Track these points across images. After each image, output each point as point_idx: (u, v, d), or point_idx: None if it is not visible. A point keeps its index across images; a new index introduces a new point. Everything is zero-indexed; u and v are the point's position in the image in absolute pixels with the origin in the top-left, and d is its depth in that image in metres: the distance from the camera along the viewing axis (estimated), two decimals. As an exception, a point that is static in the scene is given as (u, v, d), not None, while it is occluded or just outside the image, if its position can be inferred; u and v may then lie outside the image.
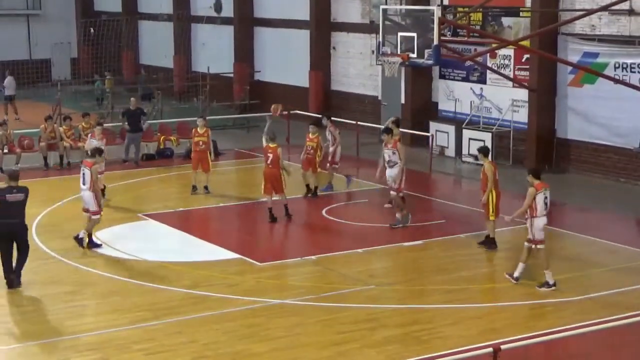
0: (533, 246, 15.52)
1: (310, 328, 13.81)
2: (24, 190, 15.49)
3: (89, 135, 23.21)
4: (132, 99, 27.36)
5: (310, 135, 22.15)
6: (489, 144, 25.74)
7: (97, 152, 18.38)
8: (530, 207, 15.41)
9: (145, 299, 15.06)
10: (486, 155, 17.89)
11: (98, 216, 17.86)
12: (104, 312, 14.45)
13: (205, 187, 22.19)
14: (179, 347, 12.99)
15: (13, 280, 15.40)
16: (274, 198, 19.84)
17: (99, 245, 17.86)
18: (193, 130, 22.78)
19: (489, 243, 17.85)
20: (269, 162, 19.68)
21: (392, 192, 19.46)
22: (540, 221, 15.44)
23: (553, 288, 15.42)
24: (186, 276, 16.22)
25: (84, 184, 17.75)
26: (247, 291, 15.45)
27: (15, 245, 15.49)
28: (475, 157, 25.96)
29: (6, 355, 12.90)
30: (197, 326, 13.79)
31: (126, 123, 26.42)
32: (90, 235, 17.83)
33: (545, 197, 15.46)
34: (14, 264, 15.48)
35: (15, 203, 15.28)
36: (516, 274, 15.76)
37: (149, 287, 15.63)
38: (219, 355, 12.76)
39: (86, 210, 17.89)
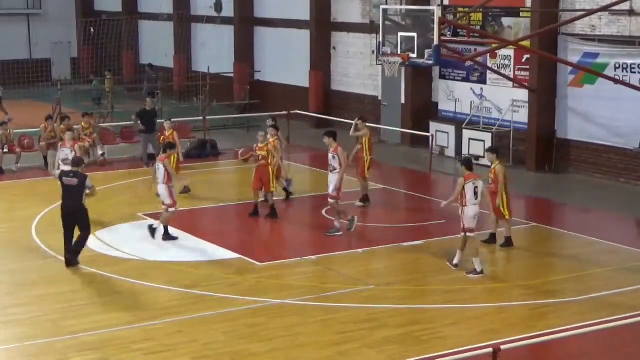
0: (463, 234, 16.27)
1: (310, 328, 13.81)
2: (80, 176, 16.66)
3: (60, 145, 21.78)
4: (148, 99, 27.27)
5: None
6: (488, 145, 25.79)
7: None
8: (460, 196, 16.17)
9: (145, 298, 15.07)
10: (498, 155, 17.92)
11: (173, 209, 18.52)
12: (104, 311, 14.45)
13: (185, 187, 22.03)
14: (178, 347, 13.00)
15: (69, 260, 16.60)
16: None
17: (174, 238, 18.39)
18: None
19: (508, 242, 17.88)
20: (268, 159, 19.77)
21: (329, 199, 18.88)
22: (470, 210, 16.17)
23: (481, 275, 16.07)
24: (186, 276, 16.23)
25: (158, 178, 18.40)
26: (247, 291, 15.46)
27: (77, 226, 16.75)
28: (476, 158, 26.02)
29: (6, 355, 12.90)
30: (197, 326, 13.80)
31: (139, 123, 26.31)
32: (166, 228, 18.41)
33: (476, 187, 16.17)
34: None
35: (70, 187, 16.61)
36: (455, 261, 16.48)
37: (149, 287, 15.63)
38: (218, 355, 12.77)
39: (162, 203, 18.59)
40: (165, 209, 18.50)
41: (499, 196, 17.44)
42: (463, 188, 16.15)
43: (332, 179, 18.73)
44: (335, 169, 18.70)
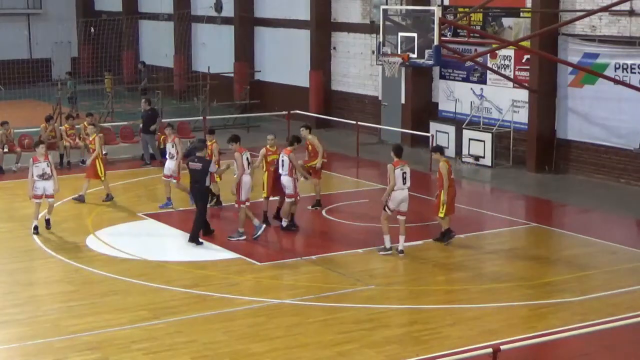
0: (387, 212, 17.31)
1: (310, 328, 13.81)
2: (203, 161, 18.10)
3: (31, 160, 19.30)
4: (142, 101, 27.25)
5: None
6: (489, 145, 25.84)
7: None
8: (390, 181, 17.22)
9: (145, 298, 15.06)
10: (442, 154, 18.34)
11: (293, 199, 18.93)
12: (104, 311, 14.44)
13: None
14: (178, 347, 12.99)
15: (191, 238, 18.06)
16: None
17: (295, 227, 19.10)
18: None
19: (444, 235, 18.12)
20: (279, 166, 19.44)
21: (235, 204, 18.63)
22: (398, 194, 17.25)
23: (389, 252, 17.30)
24: (186, 276, 16.23)
25: (282, 170, 18.86)
26: (247, 291, 15.46)
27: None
28: (476, 158, 26.07)
29: (5, 355, 12.90)
30: (196, 326, 13.80)
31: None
32: (292, 217, 19.10)
33: (404, 173, 17.32)
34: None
35: (193, 170, 18.02)
36: (387, 245, 17.44)
37: (149, 286, 15.63)
38: (218, 354, 12.76)
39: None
40: (286, 199, 19.00)
41: (442, 193, 17.82)
42: (393, 173, 17.16)
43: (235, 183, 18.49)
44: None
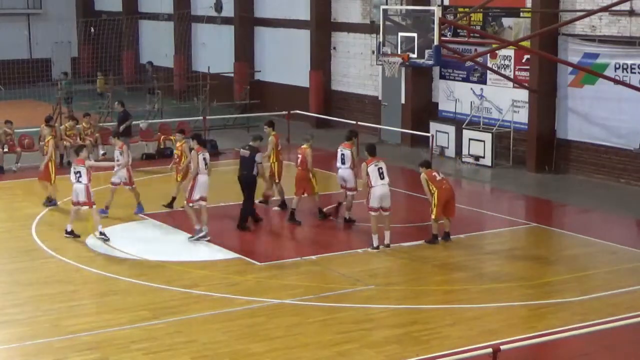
0: (373, 213, 17.58)
1: (310, 328, 13.81)
2: (253, 150, 19.11)
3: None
4: (115, 103, 27.10)
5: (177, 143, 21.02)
6: (489, 145, 25.83)
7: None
8: (368, 178, 17.54)
9: (145, 298, 15.07)
10: (427, 167, 18.45)
11: (354, 192, 19.45)
12: (104, 311, 14.45)
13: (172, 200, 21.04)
14: (178, 347, 12.99)
15: (243, 227, 18.99)
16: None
17: (353, 221, 19.54)
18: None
19: (433, 238, 18.29)
20: (298, 163, 19.85)
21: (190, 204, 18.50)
22: (376, 190, 17.57)
23: (377, 250, 17.56)
24: (186, 276, 16.23)
25: (343, 163, 19.45)
26: (247, 291, 15.46)
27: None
28: (476, 158, 26.06)
29: (5, 355, 12.90)
30: (196, 326, 13.80)
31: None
32: (350, 209, 19.57)
33: (380, 168, 17.64)
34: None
35: (243, 158, 19.14)
36: (375, 244, 17.69)
37: (149, 286, 15.63)
38: (218, 354, 12.76)
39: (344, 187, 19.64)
40: (344, 193, 19.54)
41: (432, 197, 18.12)
42: (367, 172, 17.55)
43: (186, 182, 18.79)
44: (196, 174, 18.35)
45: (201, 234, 18.29)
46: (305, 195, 19.86)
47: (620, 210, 21.16)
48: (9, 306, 14.78)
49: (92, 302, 14.96)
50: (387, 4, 29.05)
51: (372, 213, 17.67)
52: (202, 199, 18.32)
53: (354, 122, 28.46)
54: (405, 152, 28.35)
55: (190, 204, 18.31)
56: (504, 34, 26.35)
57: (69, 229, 18.42)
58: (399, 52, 23.07)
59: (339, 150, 19.66)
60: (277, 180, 20.71)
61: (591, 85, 24.18)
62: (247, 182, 19.21)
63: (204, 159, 18.43)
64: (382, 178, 17.70)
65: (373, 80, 31.24)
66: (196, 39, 40.66)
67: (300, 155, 19.77)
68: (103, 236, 18.14)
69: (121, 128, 25.54)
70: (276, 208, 20.87)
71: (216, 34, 39.00)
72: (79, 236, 18.37)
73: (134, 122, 27.66)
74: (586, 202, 22.03)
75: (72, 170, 18.41)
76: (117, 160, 20.14)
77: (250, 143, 19.42)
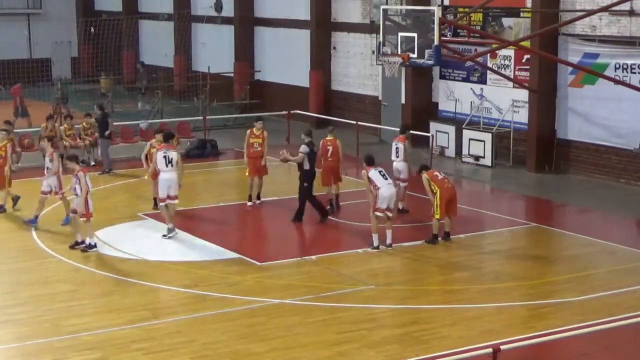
0: (379, 214, 17.64)
1: (310, 328, 13.80)
2: (309, 144, 19.62)
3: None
4: (95, 107, 26.97)
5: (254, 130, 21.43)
6: (489, 145, 25.83)
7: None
8: (370, 184, 17.63)
9: (144, 298, 15.07)
10: (426, 170, 18.61)
11: (406, 184, 20.30)
12: (104, 311, 14.45)
13: (258, 197, 21.40)
14: (178, 347, 12.99)
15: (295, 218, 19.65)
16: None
17: (406, 211, 20.26)
18: (248, 131, 21.67)
19: (433, 238, 18.38)
20: (329, 155, 20.19)
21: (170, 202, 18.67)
22: (384, 191, 17.56)
23: (377, 250, 17.64)
24: (186, 276, 16.23)
25: (397, 156, 20.19)
26: (247, 291, 15.46)
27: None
28: (476, 158, 26.05)
29: (5, 355, 12.89)
30: (196, 326, 13.79)
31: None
32: (403, 199, 20.28)
33: (381, 171, 17.77)
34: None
35: (310, 154, 19.54)
36: (375, 244, 17.72)
37: (149, 286, 15.63)
38: (218, 354, 12.76)
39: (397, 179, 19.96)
40: (397, 185, 19.46)
41: (434, 197, 18.24)
42: (368, 178, 17.62)
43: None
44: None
45: (173, 233, 18.47)
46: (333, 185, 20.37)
47: (620, 210, 21.16)
48: (9, 306, 14.78)
49: (92, 302, 14.96)
50: (387, 4, 29.04)
51: (378, 214, 17.66)
52: (169, 197, 18.40)
53: (354, 122, 28.47)
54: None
55: (162, 203, 18.53)
56: (504, 34, 26.35)
57: (79, 240, 17.75)
58: (399, 52, 23.07)
59: (393, 144, 20.47)
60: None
61: (591, 85, 24.18)
62: (304, 176, 19.58)
63: (165, 156, 18.36)
64: (385, 179, 17.76)
65: (373, 80, 31.24)
66: (196, 39, 40.65)
67: (330, 147, 20.21)
68: (86, 248, 17.42)
69: (106, 133, 25.23)
70: (255, 202, 21.24)
71: (216, 34, 39.00)
72: (94, 246, 17.72)
73: (133, 123, 27.65)
74: (586, 202, 22.03)
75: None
76: (47, 168, 19.45)
77: (306, 140, 19.77)
